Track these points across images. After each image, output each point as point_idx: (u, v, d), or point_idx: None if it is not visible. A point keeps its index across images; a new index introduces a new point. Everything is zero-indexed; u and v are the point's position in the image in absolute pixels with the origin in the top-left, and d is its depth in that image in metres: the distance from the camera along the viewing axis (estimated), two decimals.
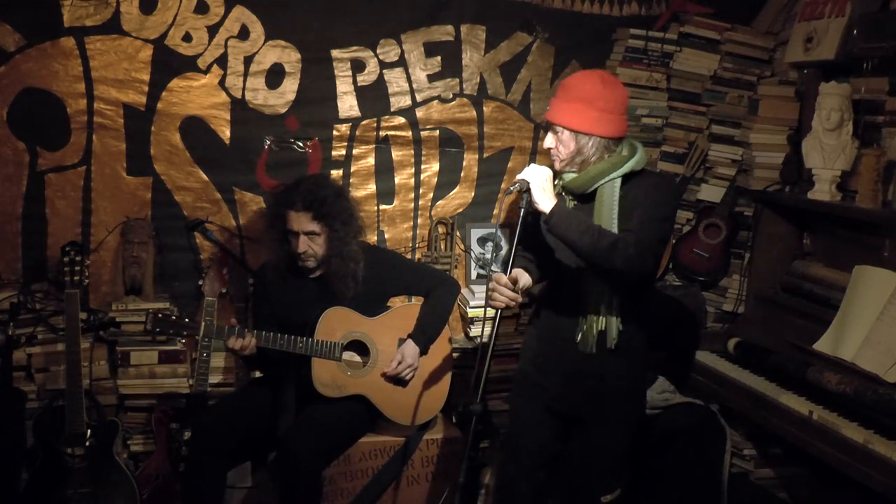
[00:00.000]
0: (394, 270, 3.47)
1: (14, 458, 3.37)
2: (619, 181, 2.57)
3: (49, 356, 3.55)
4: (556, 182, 2.67)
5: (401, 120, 3.98)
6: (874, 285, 3.10)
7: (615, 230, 2.53)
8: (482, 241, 4.11)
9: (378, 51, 3.89)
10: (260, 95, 3.80)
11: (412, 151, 4.03)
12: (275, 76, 3.80)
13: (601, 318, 2.63)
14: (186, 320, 3.15)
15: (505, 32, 4.00)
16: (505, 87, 4.06)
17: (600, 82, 2.54)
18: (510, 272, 2.53)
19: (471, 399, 2.54)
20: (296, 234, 3.22)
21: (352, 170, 3.97)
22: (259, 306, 3.48)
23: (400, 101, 3.96)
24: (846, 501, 3.29)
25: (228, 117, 3.79)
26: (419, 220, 4.10)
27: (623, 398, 2.74)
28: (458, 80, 4.00)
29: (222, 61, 3.74)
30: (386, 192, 4.03)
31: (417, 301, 3.56)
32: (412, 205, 4.07)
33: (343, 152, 3.95)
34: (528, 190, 2.52)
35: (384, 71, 3.92)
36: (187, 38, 3.69)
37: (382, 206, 4.04)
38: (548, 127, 2.63)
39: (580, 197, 2.64)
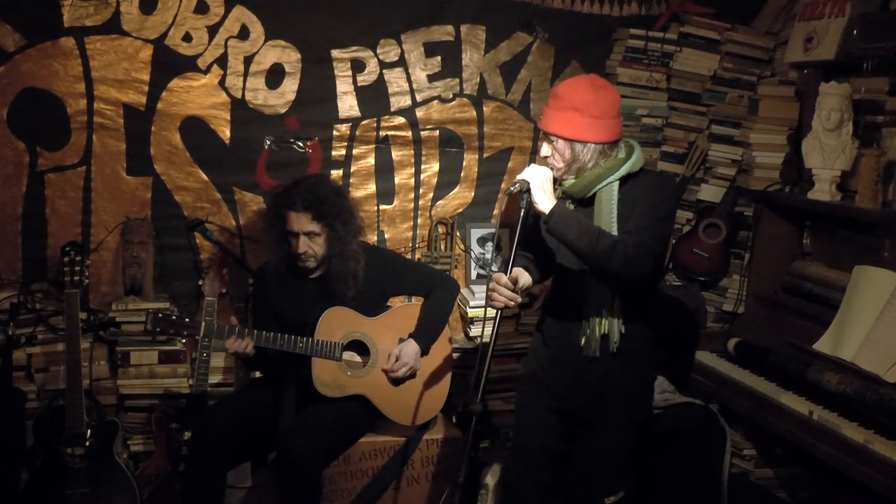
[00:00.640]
0: (394, 270, 3.46)
1: (14, 458, 3.37)
2: (616, 184, 2.58)
3: (49, 356, 3.55)
4: (556, 187, 2.67)
5: (401, 120, 3.98)
6: (874, 285, 3.10)
7: (615, 233, 2.54)
8: (482, 241, 4.11)
9: (378, 51, 3.89)
10: (260, 95, 3.80)
11: (412, 151, 4.03)
12: (275, 76, 3.80)
13: (604, 320, 2.63)
14: (186, 320, 3.15)
15: (505, 32, 4.00)
16: (505, 87, 4.06)
17: (591, 89, 2.54)
18: (510, 272, 2.53)
19: (471, 399, 2.54)
20: (296, 235, 3.22)
21: (352, 170, 3.97)
22: (259, 306, 3.48)
23: (400, 101, 3.96)
24: (846, 501, 3.29)
25: (228, 117, 3.79)
26: (419, 220, 4.10)
27: (628, 400, 2.74)
28: (458, 80, 4.00)
29: (222, 61, 3.74)
30: (386, 192, 4.03)
31: (417, 301, 3.56)
32: (412, 205, 4.07)
33: (343, 152, 3.95)
34: (528, 190, 2.52)
35: (384, 71, 3.92)
36: (187, 38, 3.69)
37: (382, 206, 4.04)
38: (543, 135, 2.63)
39: (580, 201, 2.64)
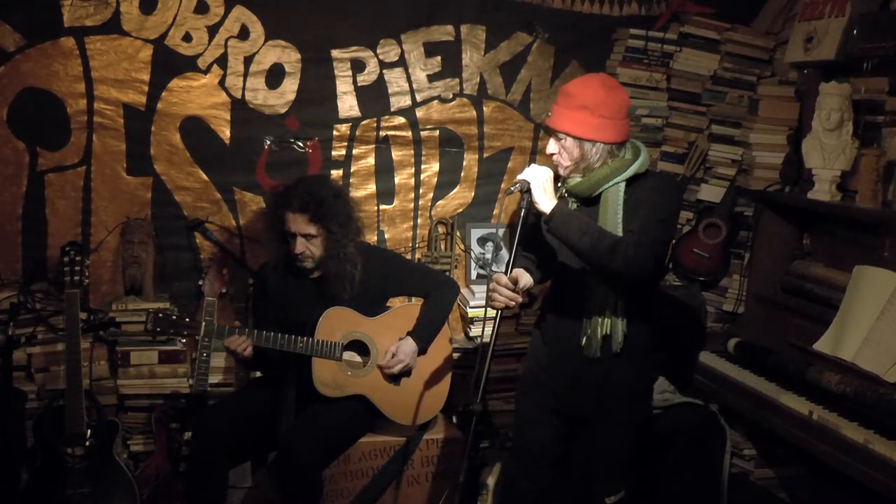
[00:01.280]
0: (393, 271, 3.46)
1: (14, 458, 3.37)
2: (623, 185, 2.57)
3: (49, 356, 3.55)
4: (559, 185, 2.67)
5: (401, 120, 3.98)
6: (874, 285, 3.10)
7: (620, 233, 2.53)
8: (482, 241, 4.11)
9: (378, 51, 3.89)
10: (260, 95, 3.80)
11: (412, 151, 4.03)
12: (275, 76, 3.80)
13: (605, 321, 2.62)
14: (186, 320, 3.15)
15: (505, 32, 4.00)
16: (505, 87, 4.06)
17: (602, 88, 2.53)
18: (510, 272, 2.53)
19: (471, 399, 2.55)
20: (293, 236, 3.22)
21: (352, 170, 3.98)
22: (259, 306, 3.48)
23: (400, 101, 3.96)
24: (846, 501, 3.29)
25: (228, 117, 3.79)
26: (419, 220, 4.10)
27: (628, 400, 2.74)
28: (458, 80, 4.00)
29: (222, 61, 3.74)
30: (386, 192, 4.03)
31: (417, 301, 3.56)
32: (412, 205, 4.07)
33: (343, 152, 3.95)
34: (529, 190, 2.52)
35: (384, 71, 3.92)
36: (187, 38, 3.69)
37: (382, 206, 4.04)
38: (548, 130, 2.63)
39: (584, 200, 2.64)
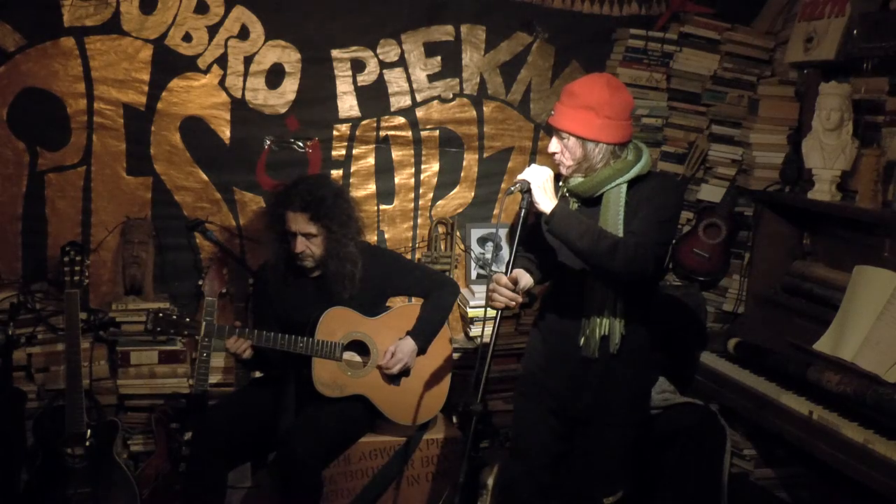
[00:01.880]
0: (394, 271, 3.46)
1: (14, 458, 3.37)
2: (625, 186, 2.57)
3: (49, 356, 3.55)
4: (560, 184, 2.67)
5: (401, 120, 3.98)
6: (874, 285, 3.10)
7: (621, 234, 2.53)
8: (482, 241, 4.11)
9: (378, 51, 3.89)
10: (260, 95, 3.80)
11: (412, 151, 4.03)
12: (275, 76, 3.80)
13: (604, 321, 2.63)
14: (187, 320, 3.14)
15: (505, 32, 4.00)
16: (505, 87, 4.06)
17: (607, 89, 2.53)
18: (510, 272, 2.53)
19: (471, 399, 2.54)
20: (294, 235, 3.22)
21: (352, 170, 3.98)
22: (259, 306, 3.48)
23: (400, 101, 3.96)
24: (846, 501, 3.29)
25: (228, 117, 3.79)
26: (419, 220, 4.10)
27: (627, 400, 2.74)
28: (458, 80, 4.00)
29: (222, 61, 3.74)
30: (386, 192, 4.03)
31: (417, 301, 3.56)
32: (412, 205, 4.07)
33: (343, 152, 3.95)
34: (529, 190, 2.52)
35: (384, 71, 3.92)
36: (187, 38, 3.69)
37: (382, 206, 4.04)
38: (549, 129, 2.62)
39: (585, 200, 2.63)
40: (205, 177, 3.82)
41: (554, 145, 2.60)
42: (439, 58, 3.96)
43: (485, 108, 4.05)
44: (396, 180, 4.04)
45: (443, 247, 4.09)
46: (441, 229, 4.09)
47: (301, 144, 3.88)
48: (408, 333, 3.38)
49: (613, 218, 2.56)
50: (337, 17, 3.81)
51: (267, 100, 3.81)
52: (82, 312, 3.38)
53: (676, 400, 3.62)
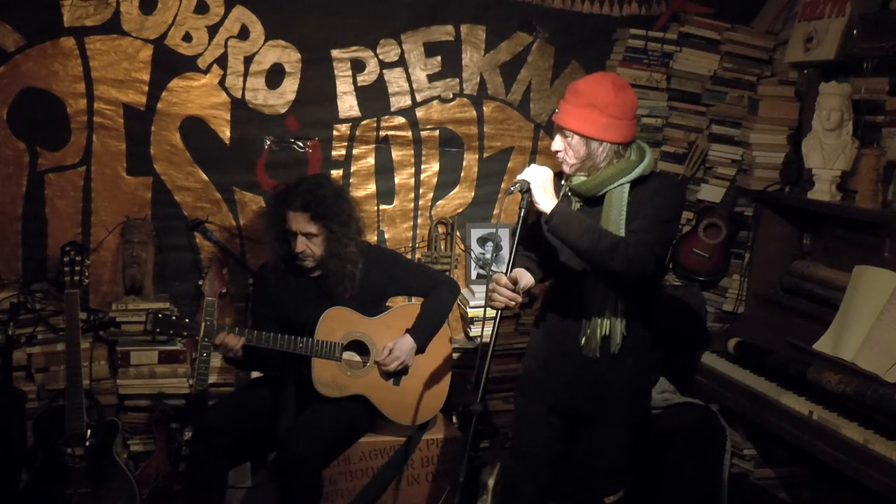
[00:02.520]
0: (394, 271, 3.46)
1: (14, 458, 3.37)
2: (627, 186, 2.57)
3: (49, 356, 3.55)
4: (562, 183, 2.67)
5: (401, 120, 3.98)
6: (874, 285, 3.10)
7: (624, 234, 2.53)
8: (482, 241, 4.11)
9: (378, 51, 3.89)
10: (260, 95, 3.80)
11: (412, 151, 4.03)
12: (275, 76, 3.80)
13: (605, 321, 2.62)
14: (186, 320, 3.14)
15: (505, 32, 4.00)
16: (505, 87, 4.06)
17: (612, 88, 2.53)
18: (510, 272, 2.53)
19: (471, 399, 2.55)
20: (294, 234, 3.22)
21: (352, 170, 3.98)
22: (259, 306, 3.47)
23: (400, 101, 3.96)
24: (846, 501, 3.29)
25: (228, 117, 3.79)
26: (419, 220, 4.10)
27: (627, 400, 2.74)
28: (458, 80, 4.00)
29: (222, 61, 3.74)
30: (386, 192, 4.03)
31: (417, 301, 3.56)
32: (412, 205, 4.07)
33: (343, 152, 3.95)
34: (529, 190, 2.52)
35: (384, 71, 3.92)
36: (187, 38, 3.69)
37: (382, 206, 4.04)
38: (550, 128, 2.62)
39: (587, 200, 2.63)
40: (205, 177, 3.82)
41: (557, 143, 2.60)
42: (439, 58, 3.96)
43: (485, 108, 4.05)
44: (396, 180, 4.04)
45: (443, 247, 4.09)
46: (441, 229, 4.09)
47: (301, 144, 3.88)
48: (407, 331, 3.38)
49: (616, 218, 2.56)
50: (337, 17, 3.81)
51: (267, 100, 3.81)
52: (82, 312, 3.38)
53: (676, 400, 3.62)
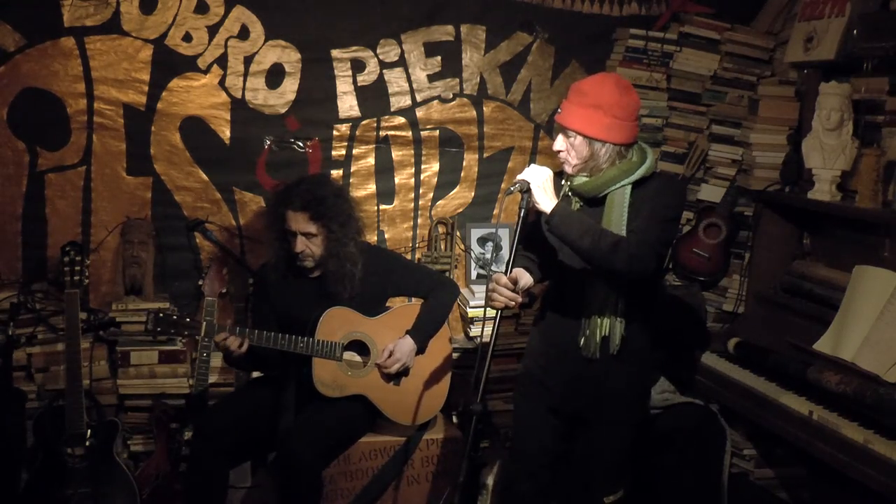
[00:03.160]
0: (393, 271, 3.46)
1: (14, 458, 3.37)
2: (629, 187, 2.57)
3: (49, 356, 3.55)
4: (563, 183, 2.66)
5: (401, 120, 3.98)
6: (874, 285, 3.10)
7: (625, 235, 2.53)
8: (482, 241, 4.11)
9: (378, 51, 3.89)
10: (260, 95, 3.80)
11: (412, 151, 4.03)
12: (275, 76, 3.80)
13: (605, 321, 2.62)
14: (188, 319, 3.14)
15: (505, 32, 4.00)
16: (505, 87, 4.06)
17: (616, 89, 2.52)
18: (510, 272, 2.53)
19: (471, 399, 2.54)
20: (294, 234, 3.22)
21: (352, 170, 3.98)
22: (259, 306, 3.47)
23: (400, 101, 3.96)
24: (846, 501, 3.29)
25: (228, 117, 3.79)
26: (419, 220, 4.10)
27: (627, 400, 2.73)
28: (458, 80, 4.00)
29: (222, 61, 3.74)
30: (386, 192, 4.03)
31: (417, 302, 3.56)
32: (412, 205, 4.08)
33: (343, 152, 3.95)
34: (529, 190, 2.52)
35: (384, 71, 3.92)
36: (187, 38, 3.69)
37: (382, 206, 4.04)
38: (550, 128, 2.62)
39: (588, 200, 2.63)
40: (205, 177, 3.82)
41: (559, 143, 2.59)
42: (439, 58, 3.96)
43: (485, 108, 4.05)
44: (396, 180, 4.04)
45: (443, 247, 4.09)
46: (441, 229, 4.09)
47: (301, 144, 3.88)
48: (406, 332, 3.38)
49: (617, 219, 2.55)
50: (337, 17, 3.81)
51: (267, 100, 3.81)
52: (82, 312, 3.39)
53: (676, 400, 3.62)
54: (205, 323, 3.16)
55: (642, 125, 4.03)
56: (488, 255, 4.09)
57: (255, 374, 3.64)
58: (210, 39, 3.72)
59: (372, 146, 3.98)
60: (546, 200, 2.50)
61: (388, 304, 3.49)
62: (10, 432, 3.37)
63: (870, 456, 2.70)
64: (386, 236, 4.06)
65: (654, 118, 4.06)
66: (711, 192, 4.07)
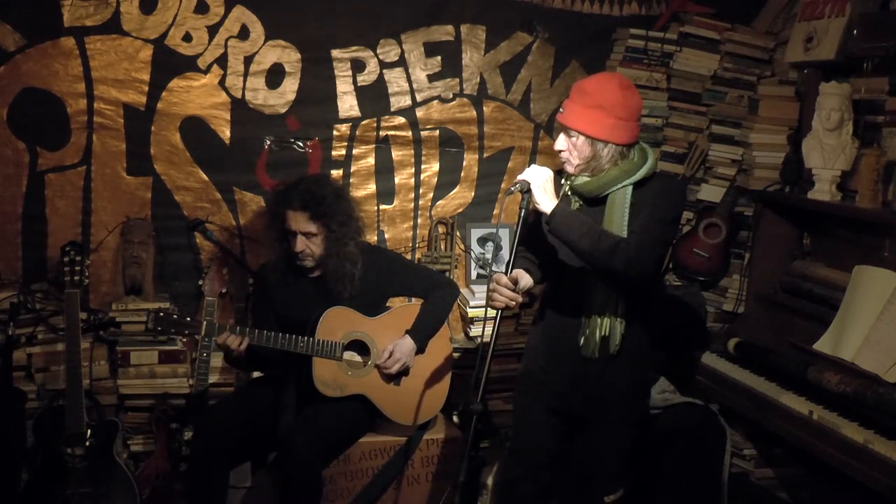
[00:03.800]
0: (393, 271, 3.46)
1: (14, 458, 3.37)
2: (630, 188, 2.56)
3: (49, 356, 3.55)
4: (564, 182, 2.66)
5: (401, 120, 3.98)
6: (874, 285, 3.10)
7: (626, 235, 2.53)
8: (482, 241, 4.11)
9: (378, 51, 3.89)
10: (260, 95, 3.80)
11: (412, 151, 4.03)
12: (275, 76, 3.80)
13: (604, 321, 2.62)
14: (188, 319, 3.14)
15: (505, 32, 4.00)
16: (505, 87, 4.06)
17: (620, 89, 2.52)
18: (510, 272, 2.53)
19: (471, 399, 2.54)
20: (294, 234, 3.22)
21: (352, 170, 3.98)
22: (259, 306, 3.47)
23: (400, 101, 3.96)
24: (846, 501, 3.29)
25: (228, 117, 3.79)
26: (419, 220, 4.10)
27: (626, 400, 2.73)
28: (458, 80, 4.00)
29: (222, 61, 3.74)
30: (386, 192, 4.03)
31: (417, 302, 3.56)
32: (412, 205, 4.07)
33: (343, 152, 3.95)
34: (529, 190, 2.52)
35: (384, 71, 3.92)
36: (187, 38, 3.69)
37: (382, 206, 4.04)
38: (550, 128, 2.62)
39: (588, 200, 2.63)
40: (205, 177, 3.82)
41: (561, 143, 2.59)
42: (439, 58, 3.96)
43: (485, 108, 4.05)
44: (396, 180, 4.04)
45: (443, 247, 4.09)
46: (441, 229, 4.09)
47: (301, 144, 3.88)
48: (406, 332, 3.38)
49: (619, 219, 2.55)
50: (337, 17, 3.81)
51: (267, 100, 3.81)
52: (82, 312, 3.38)
53: (676, 400, 3.62)
54: (205, 323, 3.16)
55: (642, 125, 4.01)
56: (488, 256, 4.09)
57: (256, 374, 3.64)
58: (210, 39, 3.72)
59: (372, 146, 3.98)
60: (546, 201, 2.50)
61: (388, 304, 3.49)
62: (10, 432, 3.36)
63: (870, 456, 2.70)
64: (386, 236, 4.06)
65: (654, 118, 4.06)
66: (711, 192, 4.07)
